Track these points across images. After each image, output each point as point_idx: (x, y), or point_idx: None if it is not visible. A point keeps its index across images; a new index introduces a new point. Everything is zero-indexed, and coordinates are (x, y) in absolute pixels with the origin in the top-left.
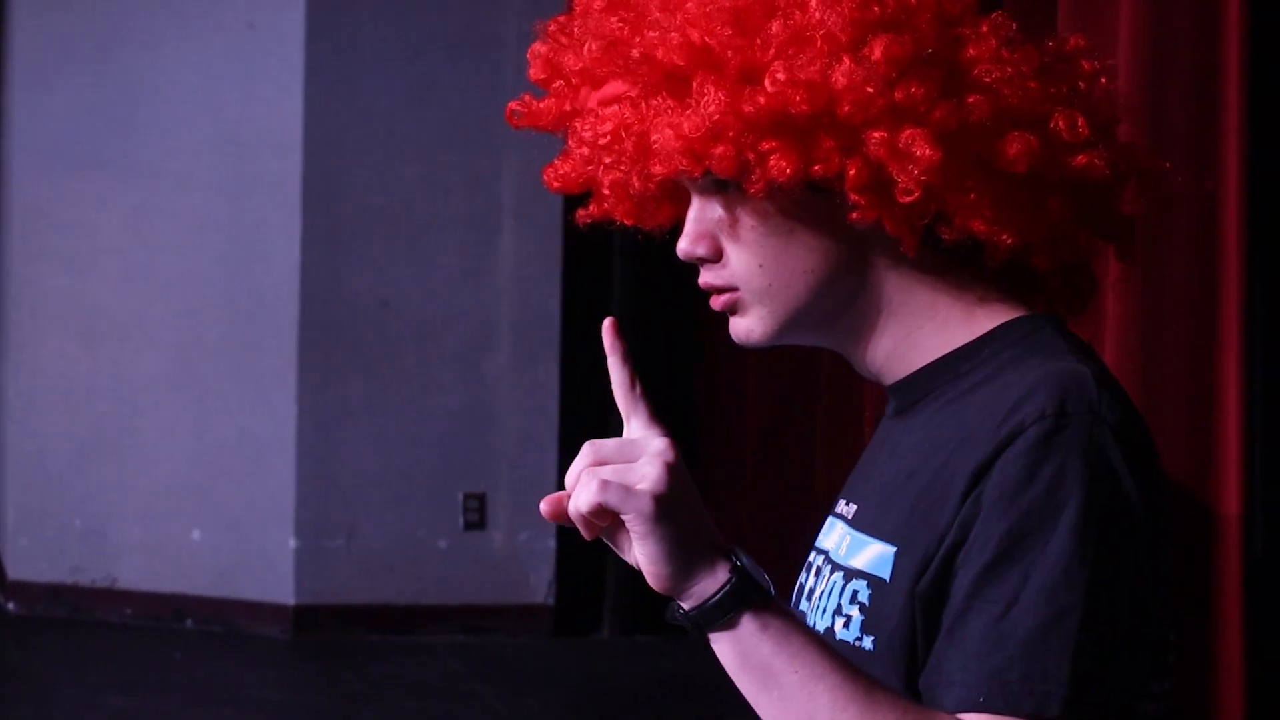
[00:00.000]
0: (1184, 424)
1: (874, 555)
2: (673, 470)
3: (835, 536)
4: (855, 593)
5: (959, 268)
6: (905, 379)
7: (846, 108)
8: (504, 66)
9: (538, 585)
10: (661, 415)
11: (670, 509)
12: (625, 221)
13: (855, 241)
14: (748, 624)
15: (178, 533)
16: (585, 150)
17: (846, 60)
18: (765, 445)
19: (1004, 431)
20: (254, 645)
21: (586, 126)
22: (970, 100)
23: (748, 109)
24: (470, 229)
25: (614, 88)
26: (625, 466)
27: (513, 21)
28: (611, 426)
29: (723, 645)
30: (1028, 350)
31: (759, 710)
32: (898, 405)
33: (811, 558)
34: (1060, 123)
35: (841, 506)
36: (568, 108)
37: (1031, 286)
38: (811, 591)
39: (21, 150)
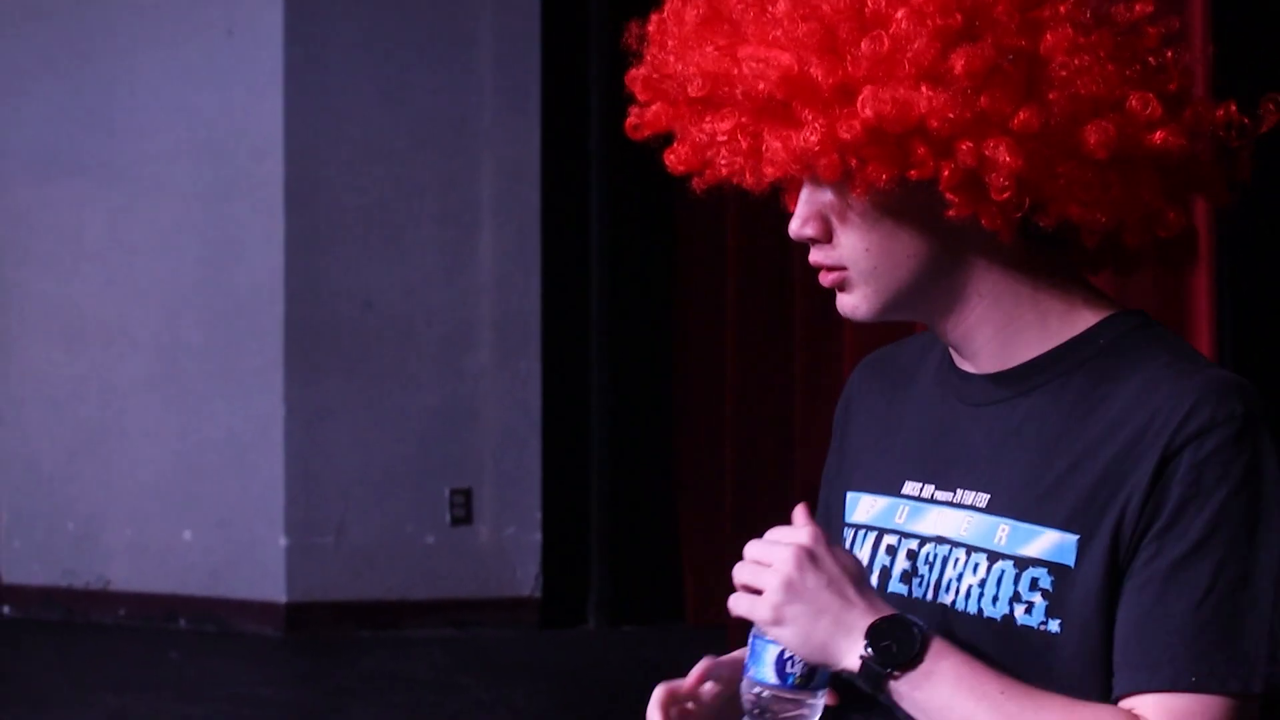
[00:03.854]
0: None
1: (1052, 543)
2: (801, 559)
3: (948, 523)
4: (1035, 580)
5: (1059, 267)
6: (1013, 369)
7: (934, 123)
8: (478, 65)
9: (524, 579)
10: (639, 407)
11: (796, 597)
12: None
13: (957, 230)
14: (901, 687)
15: (169, 533)
16: (703, 138)
17: (932, 81)
18: (742, 435)
19: (1190, 428)
20: (247, 643)
21: (705, 123)
22: (1051, 97)
23: (844, 134)
24: (449, 227)
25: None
26: (756, 566)
27: (486, 20)
28: (592, 420)
29: (901, 701)
30: (1150, 348)
31: None
32: (992, 394)
33: (891, 540)
34: (1135, 104)
35: (923, 489)
36: (679, 113)
37: (1127, 266)
38: (923, 578)
39: (3, 157)
